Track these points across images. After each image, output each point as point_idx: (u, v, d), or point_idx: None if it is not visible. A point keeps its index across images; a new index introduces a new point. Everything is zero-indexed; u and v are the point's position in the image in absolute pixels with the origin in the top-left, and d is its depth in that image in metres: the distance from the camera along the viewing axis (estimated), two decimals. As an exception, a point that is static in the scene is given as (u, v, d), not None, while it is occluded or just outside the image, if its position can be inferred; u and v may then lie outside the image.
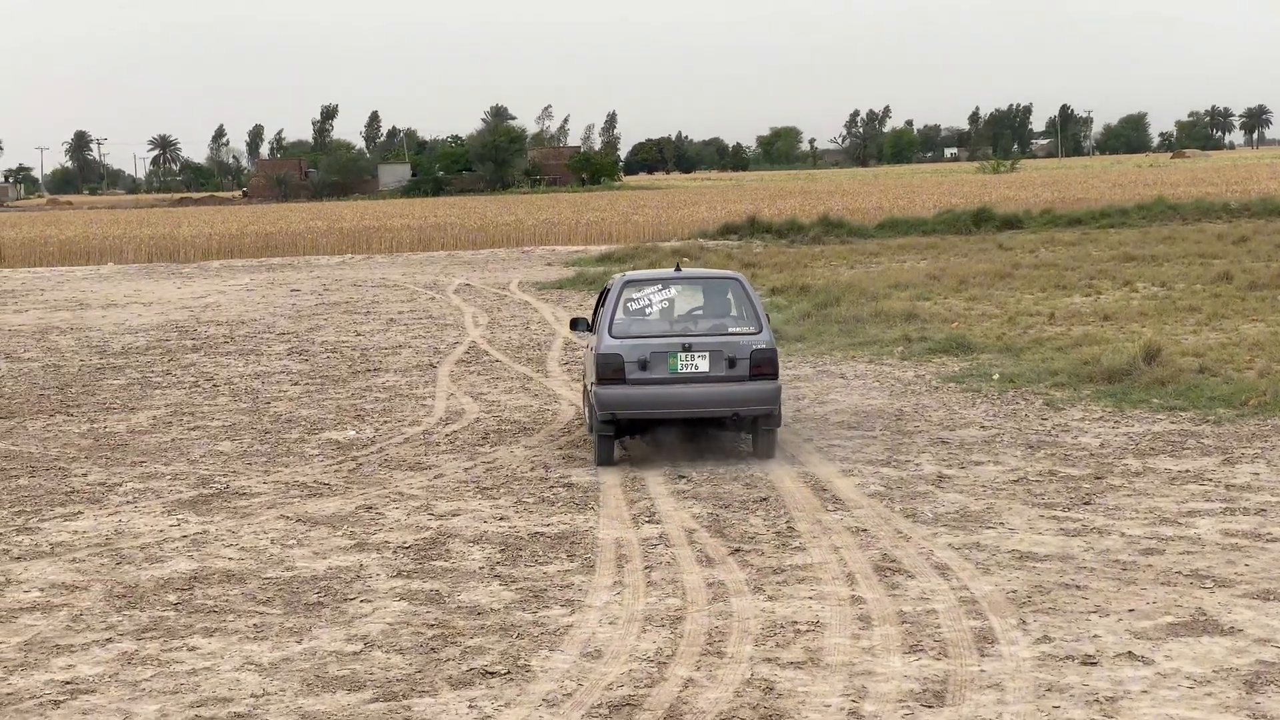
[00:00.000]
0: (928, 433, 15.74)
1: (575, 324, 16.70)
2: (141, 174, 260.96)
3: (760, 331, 14.83)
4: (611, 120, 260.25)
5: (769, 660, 8.73)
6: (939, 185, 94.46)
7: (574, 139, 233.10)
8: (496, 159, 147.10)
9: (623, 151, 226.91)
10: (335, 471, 14.83)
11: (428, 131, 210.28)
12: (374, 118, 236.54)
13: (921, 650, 8.81)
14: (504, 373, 21.75)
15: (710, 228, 54.71)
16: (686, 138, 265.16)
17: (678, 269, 16.46)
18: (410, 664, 8.90)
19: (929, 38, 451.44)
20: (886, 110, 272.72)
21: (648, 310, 15.27)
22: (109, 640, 9.55)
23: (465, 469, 14.76)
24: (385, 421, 17.76)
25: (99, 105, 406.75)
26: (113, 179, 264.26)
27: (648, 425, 15.10)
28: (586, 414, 15.93)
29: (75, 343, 27.79)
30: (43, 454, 16.31)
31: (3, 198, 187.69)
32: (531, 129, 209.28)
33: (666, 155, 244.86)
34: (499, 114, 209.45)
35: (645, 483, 13.76)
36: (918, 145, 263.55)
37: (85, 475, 15.03)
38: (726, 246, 47.17)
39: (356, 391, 20.29)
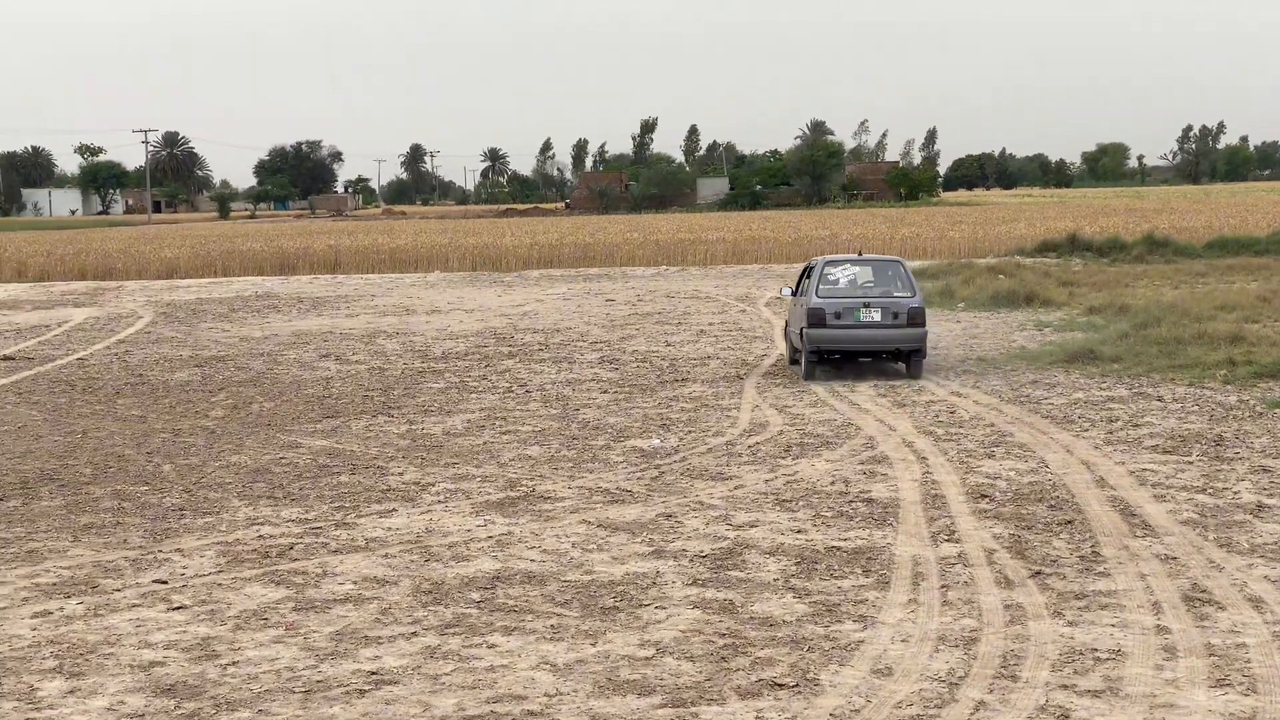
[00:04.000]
0: (1249, 460, 15.06)
1: (786, 291, 24.80)
2: (471, 185, 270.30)
3: (914, 296, 22.12)
4: (931, 136, 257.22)
5: (1065, 687, 8.49)
6: (1276, 204, 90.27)
7: (892, 154, 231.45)
8: (814, 173, 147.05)
9: (942, 167, 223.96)
10: (638, 479, 15.05)
11: (746, 145, 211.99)
12: (693, 131, 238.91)
13: (1229, 685, 8.43)
14: (810, 386, 21.69)
15: (1028, 244, 53.59)
16: (1009, 154, 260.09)
17: (859, 254, 25.87)
18: (700, 672, 8.95)
19: (1267, 50, 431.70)
20: (1220, 126, 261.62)
21: (840, 280, 22.66)
22: (414, 634, 9.89)
23: (765, 480, 14.79)
24: (690, 431, 17.93)
25: (433, 119, 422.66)
26: (444, 190, 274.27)
27: (839, 354, 22.49)
28: (788, 351, 24.35)
29: (400, 347, 28.90)
30: (363, 452, 17.02)
31: (343, 208, 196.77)
32: (849, 144, 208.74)
33: (988, 171, 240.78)
34: (817, 129, 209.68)
35: (946, 501, 13.55)
36: (1254, 162, 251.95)
37: (401, 474, 15.61)
38: (1044, 264, 46.09)
39: (663, 401, 20.54)
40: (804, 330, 22.02)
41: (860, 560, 11.53)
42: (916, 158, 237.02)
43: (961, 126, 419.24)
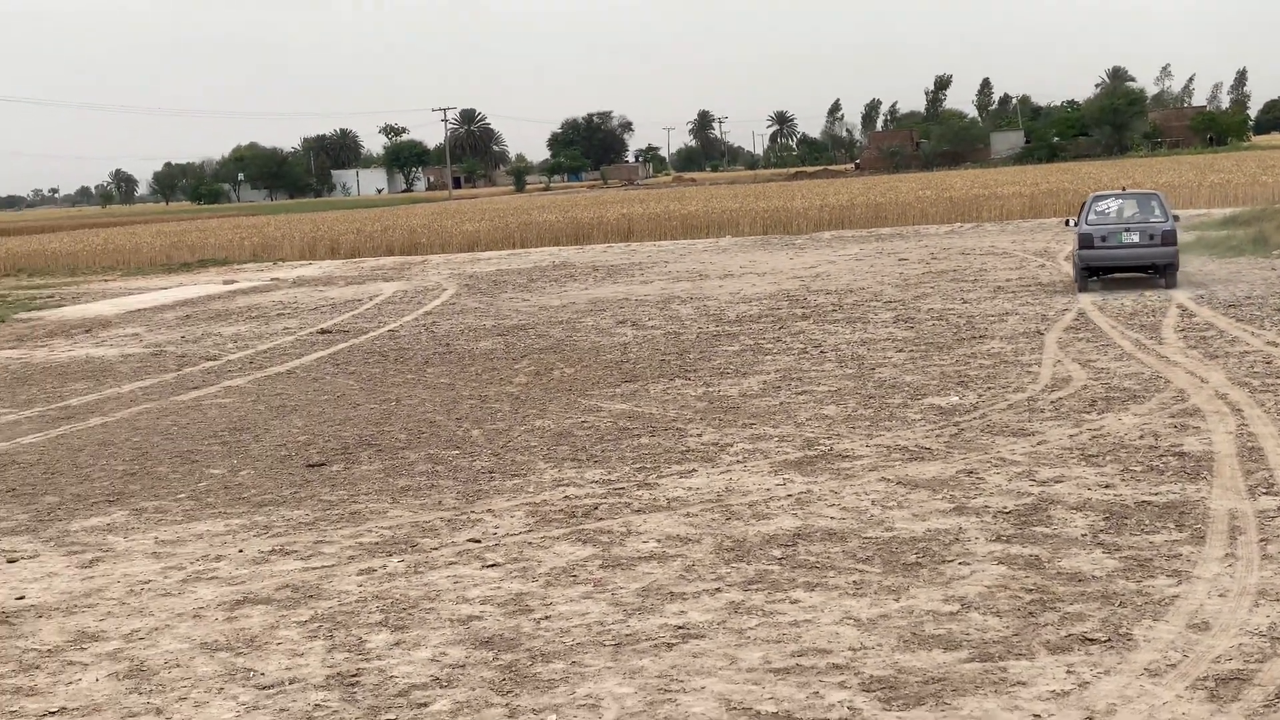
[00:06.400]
0: None
1: (1067, 222, 30.10)
2: (759, 150, 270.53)
3: (1167, 221, 27.11)
4: (1241, 77, 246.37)
5: (1397, 643, 8.11)
6: None
7: (1199, 99, 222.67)
8: (1114, 122, 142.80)
9: (1253, 110, 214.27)
10: (937, 436, 14.91)
11: (1042, 97, 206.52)
12: (985, 85, 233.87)
13: None
14: (1114, 340, 21.12)
15: (1347, 186, 50.98)
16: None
17: (1124, 190, 32.89)
18: (1007, 627, 8.85)
19: None
20: None
21: (1106, 210, 27.77)
22: (718, 590, 10.02)
23: (1070, 435, 14.47)
24: (989, 388, 17.66)
25: (721, 85, 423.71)
26: (733, 155, 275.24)
27: (1105, 270, 27.62)
28: (1073, 272, 28.93)
29: (694, 311, 29.18)
30: (662, 415, 17.27)
31: (634, 177, 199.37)
32: (1150, 90, 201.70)
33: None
34: (1117, 76, 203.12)
35: (1264, 453, 13.04)
36: None
37: (700, 435, 15.80)
38: (1366, 206, 43.72)
39: (960, 358, 20.27)
40: (1076, 251, 27.60)
41: (1173, 515, 11.21)
42: (1225, 101, 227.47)
43: (1274, 66, 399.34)
